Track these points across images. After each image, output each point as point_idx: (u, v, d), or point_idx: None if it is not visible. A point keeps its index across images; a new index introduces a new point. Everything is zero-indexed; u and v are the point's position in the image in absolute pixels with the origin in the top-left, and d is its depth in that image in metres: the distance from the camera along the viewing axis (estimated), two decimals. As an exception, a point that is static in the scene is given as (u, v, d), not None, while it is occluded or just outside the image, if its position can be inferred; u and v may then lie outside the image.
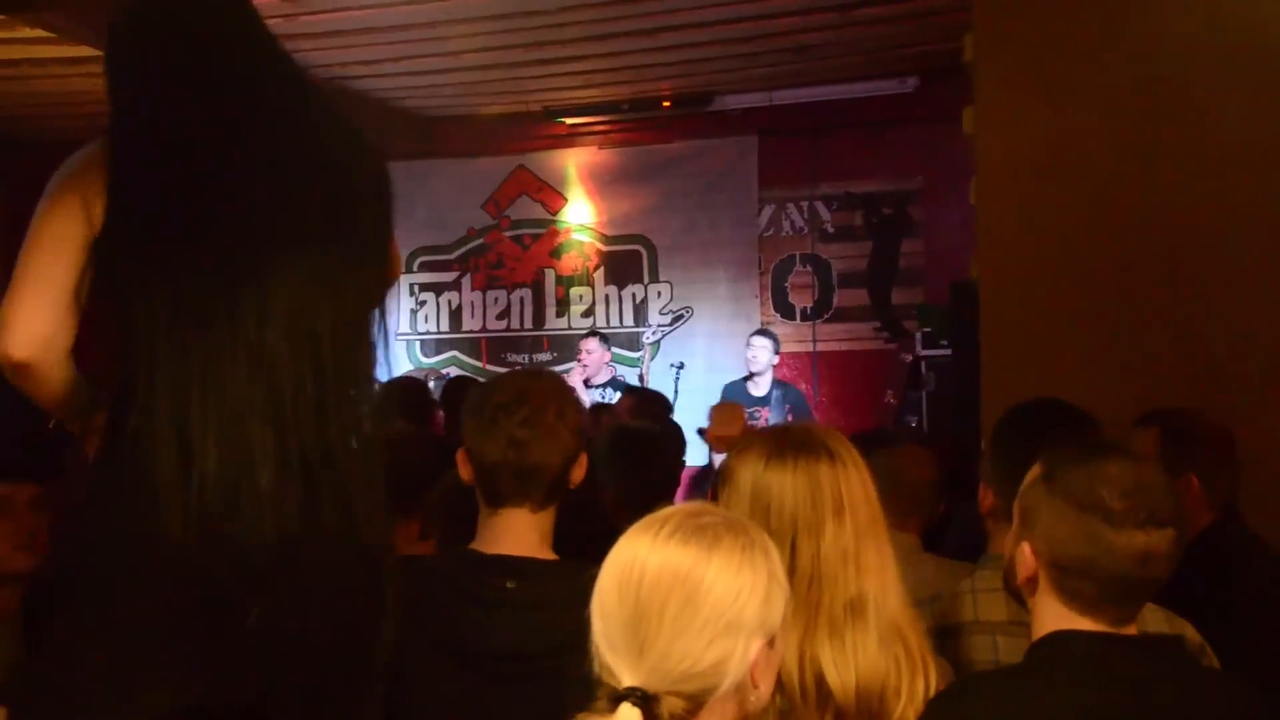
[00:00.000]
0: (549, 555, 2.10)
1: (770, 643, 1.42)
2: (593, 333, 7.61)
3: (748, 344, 7.21)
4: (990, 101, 3.41)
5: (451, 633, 2.02)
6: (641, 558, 1.39)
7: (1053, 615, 1.77)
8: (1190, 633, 2.11)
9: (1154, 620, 2.09)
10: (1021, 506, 1.83)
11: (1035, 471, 1.83)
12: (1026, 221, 3.38)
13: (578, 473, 2.15)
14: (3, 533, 2.75)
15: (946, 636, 2.18)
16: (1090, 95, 3.35)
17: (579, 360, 7.37)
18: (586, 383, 7.21)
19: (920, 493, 3.05)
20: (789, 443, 1.83)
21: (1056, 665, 1.74)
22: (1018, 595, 1.86)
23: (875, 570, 1.78)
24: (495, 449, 2.05)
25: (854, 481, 1.80)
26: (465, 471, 2.12)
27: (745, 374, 7.16)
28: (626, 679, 1.36)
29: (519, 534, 2.08)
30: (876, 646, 1.74)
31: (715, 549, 1.39)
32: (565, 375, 7.37)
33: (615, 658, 1.38)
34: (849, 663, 1.72)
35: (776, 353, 7.18)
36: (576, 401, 2.25)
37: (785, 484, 1.77)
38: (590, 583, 1.43)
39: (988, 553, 2.34)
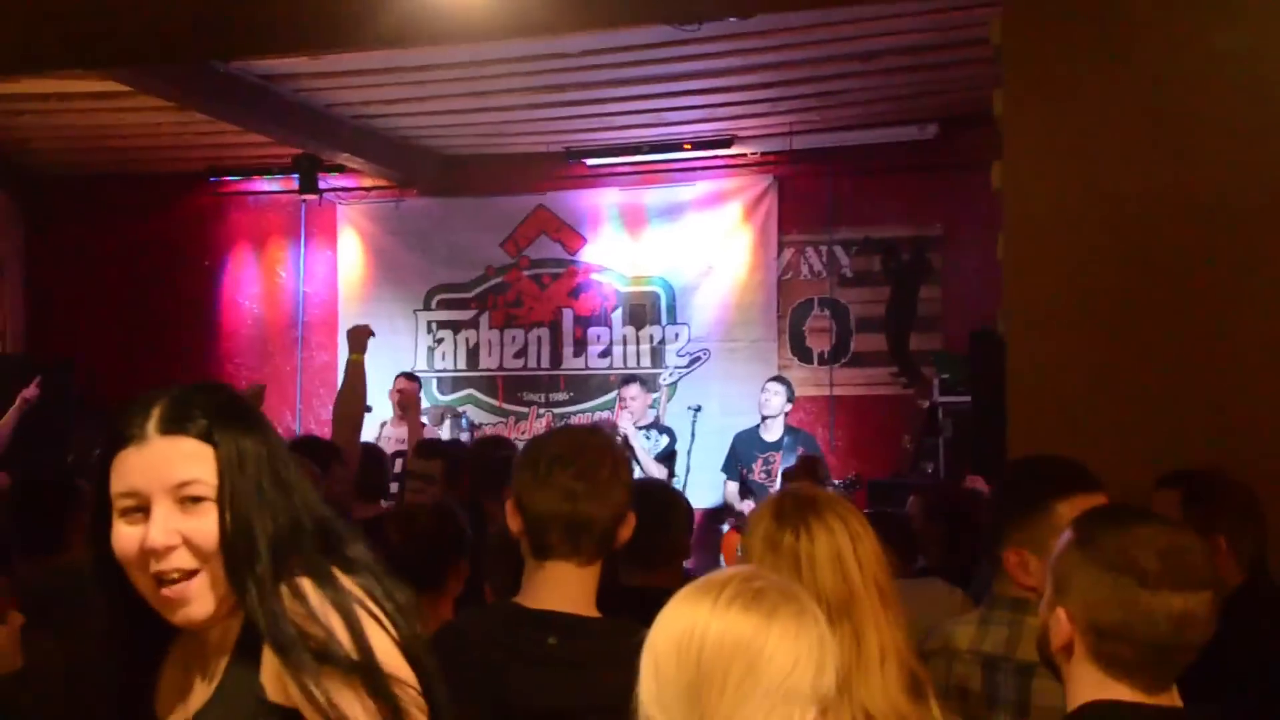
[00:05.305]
0: (592, 612, 2.10)
1: (824, 711, 1.41)
2: (631, 378, 7.55)
3: (762, 389, 7.20)
4: (1019, 157, 3.42)
5: (493, 689, 2.01)
6: (702, 624, 1.39)
7: (1089, 683, 1.76)
8: None
9: None
10: (1055, 572, 1.83)
11: (1068, 536, 1.82)
12: (1055, 276, 3.38)
13: (625, 531, 2.14)
14: None
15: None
16: (1120, 150, 3.35)
17: (622, 405, 7.28)
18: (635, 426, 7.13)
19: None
20: (775, 510, 1.93)
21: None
22: (1051, 664, 1.85)
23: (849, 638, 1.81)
24: (548, 501, 2.06)
25: (822, 553, 1.85)
26: (515, 523, 2.11)
27: (759, 419, 7.14)
28: None
29: (564, 588, 2.08)
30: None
31: (774, 617, 1.39)
32: (611, 419, 7.40)
33: None
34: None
35: (790, 399, 7.15)
36: (628, 459, 2.26)
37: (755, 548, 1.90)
38: (639, 646, 1.42)
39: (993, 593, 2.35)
